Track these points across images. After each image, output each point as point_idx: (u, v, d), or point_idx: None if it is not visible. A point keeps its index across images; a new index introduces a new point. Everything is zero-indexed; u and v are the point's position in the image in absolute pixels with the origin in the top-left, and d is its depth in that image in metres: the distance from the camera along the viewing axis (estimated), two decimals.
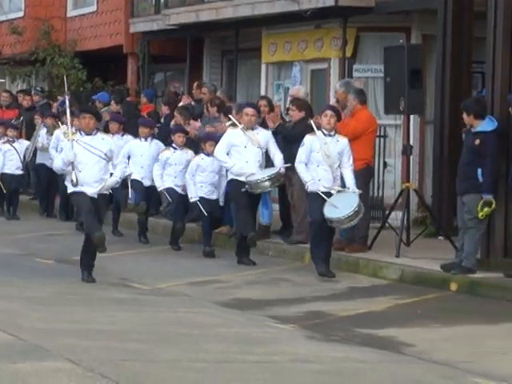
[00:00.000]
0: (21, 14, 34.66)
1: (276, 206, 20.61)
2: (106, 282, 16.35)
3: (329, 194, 15.99)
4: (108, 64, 32.25)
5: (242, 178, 17.25)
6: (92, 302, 14.70)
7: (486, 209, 15.23)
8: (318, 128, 16.24)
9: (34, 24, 33.49)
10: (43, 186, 24.36)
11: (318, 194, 16.00)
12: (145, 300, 15.03)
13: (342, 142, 16.27)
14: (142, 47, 30.77)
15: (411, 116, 19.71)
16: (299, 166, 16.34)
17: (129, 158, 20.41)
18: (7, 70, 35.93)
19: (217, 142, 18.33)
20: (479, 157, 15.32)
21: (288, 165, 17.40)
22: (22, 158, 23.76)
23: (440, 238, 16.78)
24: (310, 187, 16.12)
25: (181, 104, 23.32)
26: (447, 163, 16.99)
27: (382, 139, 21.96)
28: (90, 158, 14.70)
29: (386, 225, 17.94)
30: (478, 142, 15.60)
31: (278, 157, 17.55)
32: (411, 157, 19.26)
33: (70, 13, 34.22)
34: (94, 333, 12.30)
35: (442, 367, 11.19)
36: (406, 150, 18.82)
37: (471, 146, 15.66)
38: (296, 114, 18.98)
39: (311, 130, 18.28)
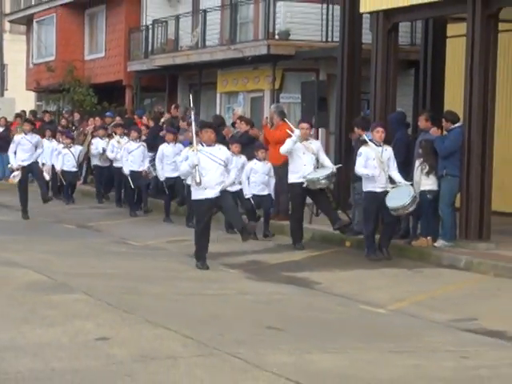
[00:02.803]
0: (53, 57, 34.45)
1: None
2: (111, 240, 16.38)
3: (385, 192, 14.28)
4: (112, 92, 32.13)
5: (301, 180, 15.34)
6: (101, 254, 14.65)
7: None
8: (371, 140, 14.51)
9: (62, 64, 33.35)
10: (98, 179, 23.56)
11: (372, 193, 14.39)
12: (137, 253, 15.00)
13: (389, 151, 14.62)
14: (135, 81, 30.85)
15: (319, 129, 19.92)
16: (360, 169, 14.52)
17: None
18: (43, 96, 35.97)
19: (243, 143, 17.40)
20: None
21: (339, 165, 16.08)
22: (76, 159, 23.16)
23: (339, 211, 16.73)
24: (369, 187, 14.49)
25: (163, 119, 23.50)
26: (344, 160, 17.09)
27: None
28: (212, 165, 13.20)
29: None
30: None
31: (327, 161, 15.79)
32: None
33: (87, 57, 34.23)
34: (103, 275, 12.37)
35: (339, 298, 11.33)
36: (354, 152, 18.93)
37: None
38: (243, 127, 18.78)
39: (252, 138, 18.34)
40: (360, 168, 14.62)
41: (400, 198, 14.18)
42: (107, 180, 23.17)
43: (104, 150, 22.53)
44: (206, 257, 13.41)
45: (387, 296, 11.53)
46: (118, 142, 21.74)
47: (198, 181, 12.95)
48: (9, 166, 20.11)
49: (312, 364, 7.85)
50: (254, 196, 16.61)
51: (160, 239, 16.62)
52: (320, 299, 11.27)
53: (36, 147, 19.39)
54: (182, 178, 16.24)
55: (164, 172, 19.13)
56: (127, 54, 31.26)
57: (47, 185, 20.28)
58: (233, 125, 20.23)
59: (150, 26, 29.66)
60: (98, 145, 23.09)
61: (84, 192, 24.70)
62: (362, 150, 14.58)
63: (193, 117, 14.37)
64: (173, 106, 24.95)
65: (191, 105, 16.56)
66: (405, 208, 14.19)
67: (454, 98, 16.97)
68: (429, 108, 17.31)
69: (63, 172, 22.89)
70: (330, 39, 22.94)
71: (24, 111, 31.32)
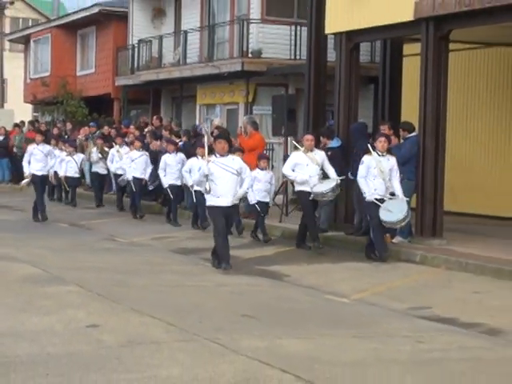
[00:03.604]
0: (48, 73, 34.44)
1: None
2: (101, 237, 16.29)
3: (382, 200, 13.58)
4: (102, 104, 32.06)
5: (308, 189, 14.58)
6: (92, 250, 14.60)
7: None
8: (374, 149, 13.79)
9: (56, 79, 33.31)
10: (96, 185, 23.02)
11: (374, 202, 13.58)
12: (125, 249, 14.95)
13: (391, 161, 13.83)
14: (122, 94, 30.85)
15: (288, 137, 19.92)
16: (360, 180, 13.82)
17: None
18: (39, 108, 35.89)
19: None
20: (331, 161, 15.04)
21: (343, 177, 15.11)
22: (78, 165, 22.71)
23: None
24: (368, 197, 13.70)
25: (147, 129, 23.42)
26: None
27: (271, 151, 22.12)
28: (225, 174, 12.46)
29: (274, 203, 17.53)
30: (329, 153, 15.55)
31: (332, 171, 14.81)
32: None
33: (79, 73, 34.22)
34: (93, 269, 12.31)
35: (307, 289, 11.34)
36: (285, 158, 18.96)
37: (326, 156, 15.68)
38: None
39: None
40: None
41: (394, 212, 13.49)
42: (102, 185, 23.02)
43: (104, 157, 22.19)
44: (229, 256, 12.60)
45: (350, 287, 11.55)
46: (118, 151, 21.41)
47: (207, 189, 12.42)
48: (25, 176, 19.59)
49: (282, 348, 7.85)
50: (259, 202, 16.04)
51: (145, 236, 16.57)
52: (289, 290, 11.27)
53: (48, 156, 19.05)
54: (196, 185, 15.65)
55: (167, 180, 18.37)
56: (115, 70, 31.26)
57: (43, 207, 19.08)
58: (212, 134, 20.08)
59: (136, 45, 29.66)
60: (96, 152, 22.77)
61: (77, 194, 24.43)
62: (365, 158, 13.87)
63: (204, 129, 13.78)
64: (154, 118, 24.94)
65: (202, 120, 15.87)
66: (395, 224, 13.66)
67: (410, 110, 17.01)
68: (387, 119, 17.36)
69: (66, 178, 22.43)
70: (298, 57, 23.09)
71: (23, 121, 31.08)
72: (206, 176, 12.41)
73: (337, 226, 16.32)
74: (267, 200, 16.27)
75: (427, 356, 7.82)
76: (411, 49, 18.33)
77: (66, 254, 13.93)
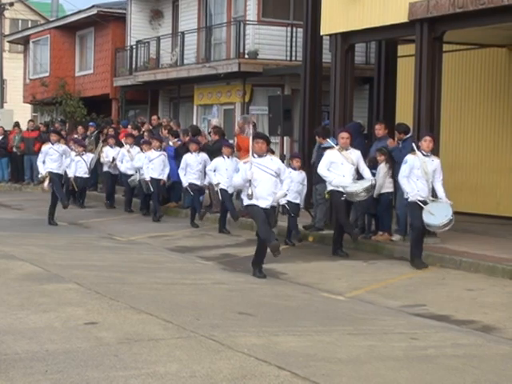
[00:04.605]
0: (47, 74, 34.37)
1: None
2: (99, 236, 16.29)
3: (424, 203, 12.83)
4: (100, 104, 32.03)
5: (341, 189, 13.76)
6: (90, 248, 14.60)
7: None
8: (418, 149, 13.03)
9: (55, 80, 33.30)
10: (108, 186, 22.32)
11: (416, 203, 12.81)
12: (122, 247, 14.96)
13: (436, 162, 13.09)
14: (121, 95, 30.82)
15: (285, 137, 19.88)
16: (403, 180, 13.03)
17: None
18: (38, 108, 35.85)
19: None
20: None
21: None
22: (88, 165, 22.07)
23: (302, 209, 16.62)
24: (411, 198, 12.91)
25: (144, 129, 23.32)
26: (307, 165, 17.12)
27: None
28: (264, 175, 11.69)
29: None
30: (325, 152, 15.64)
31: (367, 171, 14.04)
32: (285, 161, 19.21)
33: (77, 73, 34.19)
34: (92, 267, 12.30)
35: (303, 287, 11.34)
36: (282, 157, 18.98)
37: (321, 155, 15.64)
38: (214, 137, 18.94)
39: (221, 146, 18.17)
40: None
41: (438, 215, 12.74)
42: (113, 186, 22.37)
43: (114, 159, 21.58)
44: (274, 235, 12.07)
45: (345, 285, 11.56)
46: (128, 151, 20.82)
47: (250, 194, 11.67)
48: (39, 175, 19.09)
49: (278, 345, 7.84)
50: (289, 203, 14.87)
51: (142, 235, 16.56)
52: (286, 288, 11.26)
53: (63, 156, 18.43)
54: (235, 189, 14.84)
55: (187, 179, 17.85)
56: (113, 70, 31.25)
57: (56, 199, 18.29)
58: (209, 134, 20.18)
59: (134, 46, 29.66)
60: (108, 153, 22.06)
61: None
62: (409, 157, 13.11)
63: (251, 129, 13.15)
64: (152, 118, 24.90)
65: (249, 117, 14.88)
66: (439, 228, 12.94)
67: (405, 110, 17.05)
68: (382, 119, 17.36)
69: (75, 178, 21.58)
70: (294, 58, 23.10)
71: (17, 122, 30.96)
72: (249, 180, 11.66)
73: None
74: (298, 201, 15.41)
75: (422, 353, 7.82)
76: (406, 50, 18.36)
77: (64, 252, 13.92)
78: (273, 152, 14.72)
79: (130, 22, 30.69)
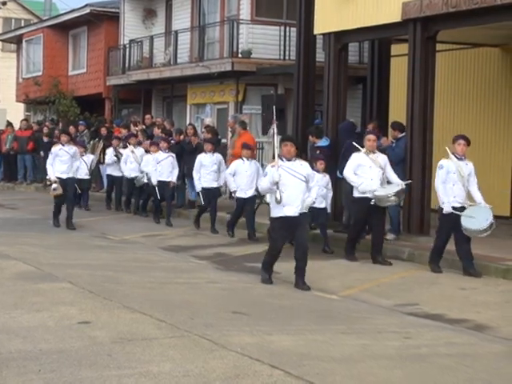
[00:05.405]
0: (40, 73, 34.24)
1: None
2: (92, 235, 16.25)
3: (462, 208, 12.30)
4: (93, 104, 31.94)
5: (368, 195, 13.07)
6: (84, 247, 14.56)
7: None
8: (452, 153, 12.47)
9: (48, 79, 33.21)
10: (109, 187, 21.61)
11: (453, 213, 12.21)
12: (116, 246, 14.93)
13: (470, 165, 12.53)
14: (114, 94, 30.72)
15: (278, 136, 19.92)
16: (439, 187, 12.40)
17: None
18: (31, 107, 35.80)
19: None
20: (319, 160, 14.74)
21: (409, 181, 14.01)
22: (88, 167, 21.05)
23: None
24: (446, 209, 12.31)
25: (138, 128, 23.21)
26: None
27: (260, 150, 22.17)
28: (293, 180, 10.95)
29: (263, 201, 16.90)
30: (318, 152, 15.52)
31: (394, 176, 13.39)
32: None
33: (70, 72, 34.04)
34: (85, 266, 12.27)
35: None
36: (274, 156, 18.99)
37: (313, 155, 15.55)
38: (207, 135, 18.85)
39: (217, 145, 18.19)
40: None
41: (478, 220, 12.16)
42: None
43: (118, 159, 20.90)
44: (272, 271, 11.46)
45: (339, 284, 11.56)
46: (133, 151, 20.24)
47: (278, 198, 10.83)
48: (47, 177, 18.22)
49: (272, 344, 7.85)
50: (313, 209, 13.46)
51: (136, 234, 16.53)
52: (279, 287, 11.26)
53: (73, 158, 17.55)
54: (262, 194, 13.83)
55: (201, 182, 17.02)
56: (106, 69, 31.14)
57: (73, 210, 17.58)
58: (203, 132, 20.09)
59: (127, 45, 29.58)
60: (112, 154, 21.38)
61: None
62: (444, 162, 12.53)
63: (275, 130, 12.48)
64: (146, 117, 24.83)
65: (274, 117, 14.05)
66: (480, 232, 12.22)
67: (398, 110, 17.06)
68: (375, 118, 17.39)
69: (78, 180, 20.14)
70: (287, 57, 23.09)
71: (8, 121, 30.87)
72: (277, 183, 10.85)
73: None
74: (323, 206, 14.47)
75: (415, 352, 7.84)
76: (399, 49, 18.38)
77: (58, 251, 13.90)
78: (304, 157, 14.02)
79: (123, 21, 30.61)
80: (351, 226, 13.93)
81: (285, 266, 12.89)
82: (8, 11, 44.98)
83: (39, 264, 12.15)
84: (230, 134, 20.12)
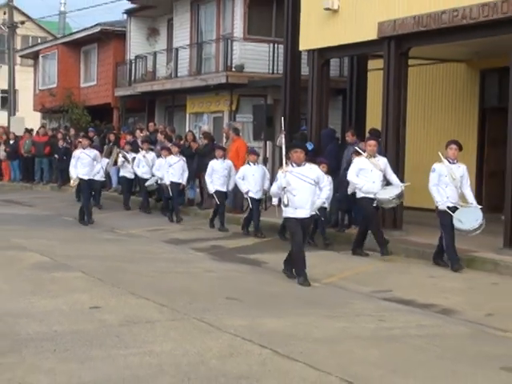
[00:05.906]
0: (55, 85, 34.19)
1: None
2: (102, 229, 16.24)
3: (455, 208, 11.94)
4: (103, 112, 31.88)
5: (371, 195, 12.81)
6: (94, 240, 14.57)
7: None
8: (444, 157, 12.13)
9: (62, 91, 33.15)
10: (125, 189, 21.39)
11: (446, 211, 11.89)
12: (123, 239, 14.91)
13: (462, 168, 12.15)
14: (121, 104, 30.69)
15: (267, 142, 19.92)
16: (433, 189, 12.06)
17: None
18: (47, 116, 35.78)
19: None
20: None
21: (408, 183, 13.44)
22: (104, 169, 20.33)
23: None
24: (440, 206, 11.99)
25: (142, 135, 23.13)
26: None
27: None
28: (302, 184, 10.67)
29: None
30: None
31: (395, 178, 13.13)
32: (267, 163, 19.27)
33: (82, 85, 33.97)
34: (96, 257, 12.27)
35: (283, 274, 11.16)
36: (264, 160, 19.05)
37: (319, 158, 15.41)
38: (204, 141, 18.92)
39: (213, 150, 18.00)
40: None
41: (467, 220, 11.82)
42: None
43: (126, 160, 20.73)
44: (306, 272, 10.67)
45: (321, 272, 11.54)
46: (144, 156, 20.02)
47: (285, 202, 10.61)
48: (71, 180, 17.85)
49: (262, 326, 7.86)
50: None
51: (141, 228, 16.48)
52: (268, 275, 11.26)
53: (94, 161, 17.39)
54: (274, 197, 12.92)
55: (214, 185, 16.69)
56: (115, 82, 31.10)
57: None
58: (201, 139, 20.16)
59: (133, 60, 29.57)
60: (121, 156, 21.07)
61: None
62: (436, 166, 12.15)
63: (283, 138, 12.09)
64: (149, 124, 24.81)
65: (283, 127, 13.68)
66: (470, 232, 11.88)
67: (374, 118, 17.06)
68: (353, 126, 17.41)
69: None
70: (275, 71, 23.11)
71: (26, 128, 30.74)
72: (284, 188, 10.65)
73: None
74: (325, 205, 13.89)
75: (389, 333, 7.86)
76: (375, 64, 18.36)
77: (71, 244, 13.88)
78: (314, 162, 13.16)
79: (129, 39, 30.63)
80: (368, 223, 13.15)
81: (272, 257, 12.98)
82: (26, 30, 44.89)
83: (54, 255, 12.14)
84: (224, 140, 20.18)
